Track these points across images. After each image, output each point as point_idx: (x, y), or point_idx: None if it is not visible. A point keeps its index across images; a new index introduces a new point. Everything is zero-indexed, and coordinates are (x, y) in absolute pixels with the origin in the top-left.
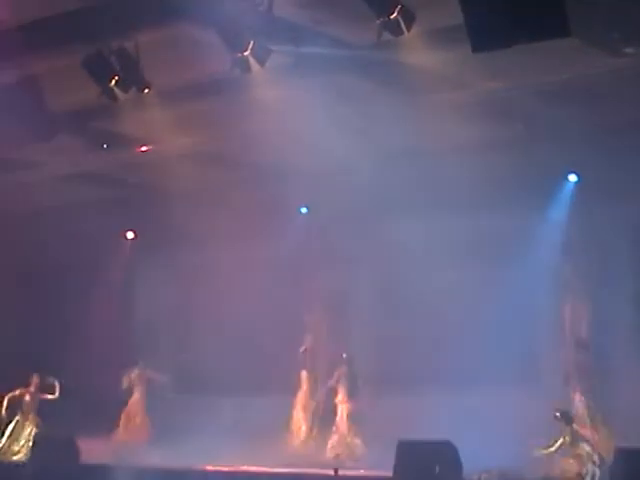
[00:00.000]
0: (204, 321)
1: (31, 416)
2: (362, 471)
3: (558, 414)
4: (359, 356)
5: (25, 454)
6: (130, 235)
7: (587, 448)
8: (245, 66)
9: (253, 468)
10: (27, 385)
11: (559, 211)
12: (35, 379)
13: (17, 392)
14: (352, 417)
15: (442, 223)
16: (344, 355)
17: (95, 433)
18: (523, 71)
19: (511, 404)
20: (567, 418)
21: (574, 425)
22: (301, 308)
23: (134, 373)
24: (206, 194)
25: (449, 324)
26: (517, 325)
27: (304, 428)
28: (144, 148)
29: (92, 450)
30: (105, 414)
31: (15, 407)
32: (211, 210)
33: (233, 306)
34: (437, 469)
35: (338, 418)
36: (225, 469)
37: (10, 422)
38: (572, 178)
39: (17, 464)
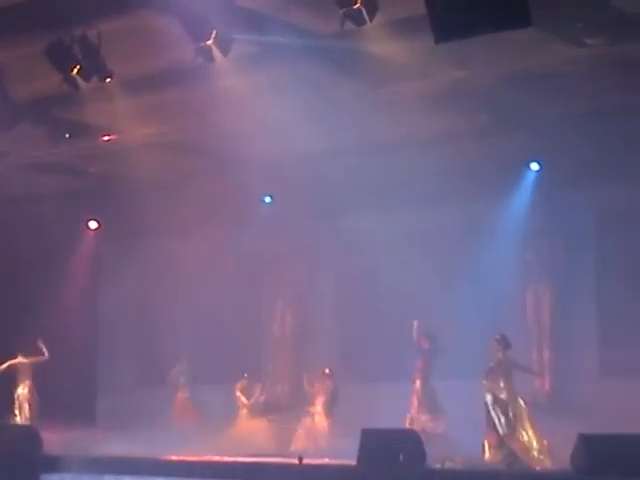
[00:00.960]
0: (169, 311)
1: (29, 382)
2: (326, 459)
3: (498, 336)
4: (322, 348)
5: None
6: (93, 225)
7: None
8: (208, 55)
9: (216, 458)
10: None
11: (522, 199)
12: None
13: (8, 363)
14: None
15: (406, 214)
16: (327, 370)
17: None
18: (486, 61)
19: (474, 393)
20: (506, 343)
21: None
22: (265, 297)
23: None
24: (170, 183)
25: (413, 314)
26: (482, 313)
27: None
28: (107, 137)
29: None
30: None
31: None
32: (175, 199)
33: (197, 295)
34: (401, 457)
35: (309, 422)
36: (189, 459)
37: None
38: (534, 166)
39: None
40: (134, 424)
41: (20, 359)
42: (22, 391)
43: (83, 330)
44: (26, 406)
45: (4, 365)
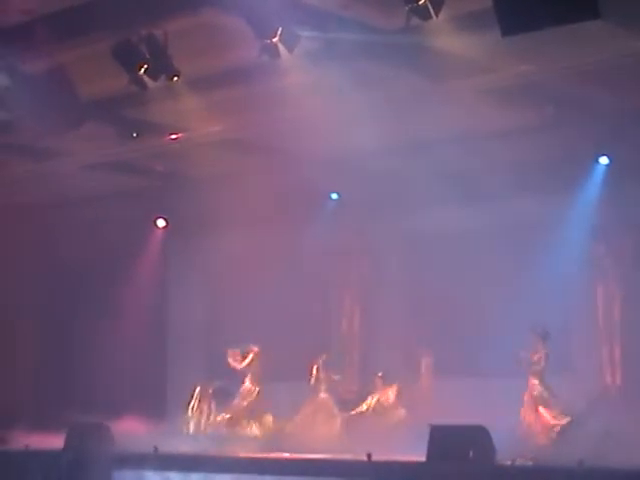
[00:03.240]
0: (236, 307)
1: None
2: (396, 456)
3: (538, 329)
4: (390, 344)
5: None
6: (161, 223)
7: None
8: (274, 52)
9: (285, 455)
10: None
11: (591, 193)
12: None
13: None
14: None
15: (473, 209)
16: (380, 374)
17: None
18: (553, 54)
19: None
20: (544, 334)
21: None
22: (332, 294)
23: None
24: (236, 180)
25: (481, 311)
26: (550, 310)
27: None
28: (174, 136)
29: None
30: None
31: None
32: (241, 196)
33: (264, 292)
34: (471, 454)
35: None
36: (256, 456)
37: None
38: (603, 160)
39: (54, 452)
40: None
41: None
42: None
43: (152, 328)
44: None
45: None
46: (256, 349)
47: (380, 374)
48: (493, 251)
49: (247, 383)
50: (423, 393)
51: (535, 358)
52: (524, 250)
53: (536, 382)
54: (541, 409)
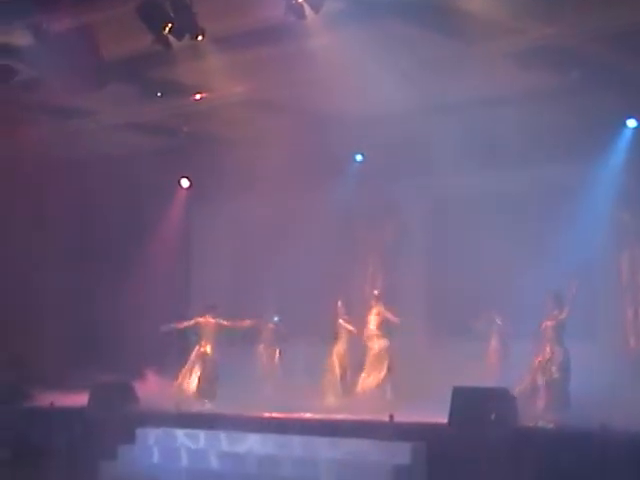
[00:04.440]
0: (259, 270)
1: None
2: (416, 417)
3: (553, 294)
4: (412, 308)
5: None
6: (185, 183)
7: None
8: (300, 12)
9: (307, 415)
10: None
11: (618, 157)
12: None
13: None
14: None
15: (498, 174)
16: (375, 292)
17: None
18: (579, 16)
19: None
20: (559, 300)
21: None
22: (355, 257)
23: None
24: (261, 141)
25: (504, 277)
26: (575, 275)
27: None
28: (198, 96)
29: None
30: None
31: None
32: (266, 157)
33: (287, 254)
34: (493, 416)
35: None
36: (280, 416)
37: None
38: (631, 123)
39: (78, 410)
40: (226, 382)
41: (207, 318)
42: (201, 350)
43: (176, 290)
44: (199, 365)
45: (191, 321)
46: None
47: (377, 292)
48: (518, 216)
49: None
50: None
51: (549, 324)
52: (549, 215)
53: (547, 348)
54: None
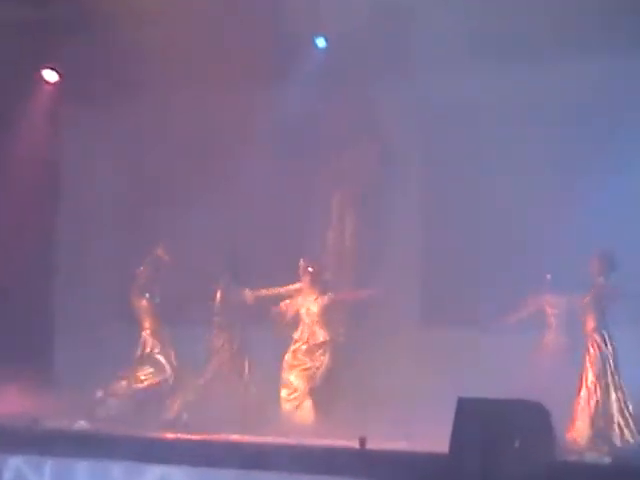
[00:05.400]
0: (168, 202)
1: None
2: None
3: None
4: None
5: None
6: (51, 76)
7: None
8: None
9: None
10: None
11: None
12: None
13: None
14: None
15: (518, 68)
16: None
17: None
18: None
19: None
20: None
21: None
22: (317, 190)
23: None
24: (174, 17)
25: (524, 227)
26: (621, 229)
27: None
28: None
29: None
30: None
31: None
32: (175, 39)
33: (207, 185)
34: (517, 443)
35: None
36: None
37: None
38: None
39: None
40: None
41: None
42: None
43: (36, 229)
44: None
45: None
46: None
47: (311, 269)
48: (545, 124)
49: None
50: None
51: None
52: (584, 123)
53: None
54: None
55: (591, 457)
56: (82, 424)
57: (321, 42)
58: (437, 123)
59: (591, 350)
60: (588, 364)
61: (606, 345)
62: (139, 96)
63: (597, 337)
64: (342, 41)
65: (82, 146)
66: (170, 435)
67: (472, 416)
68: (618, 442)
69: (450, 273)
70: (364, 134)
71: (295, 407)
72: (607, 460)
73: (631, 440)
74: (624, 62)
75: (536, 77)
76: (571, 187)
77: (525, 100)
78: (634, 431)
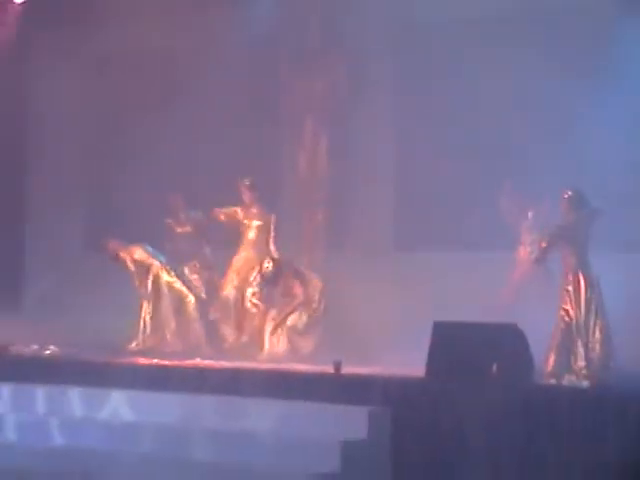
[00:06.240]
0: (130, 130)
1: None
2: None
3: (570, 193)
4: (370, 200)
5: None
6: None
7: None
8: None
9: (206, 362)
10: None
11: None
12: None
13: None
14: None
15: None
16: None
17: None
18: None
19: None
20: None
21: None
22: (285, 117)
23: None
24: None
25: (501, 147)
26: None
27: None
28: None
29: None
30: None
31: None
32: None
33: (175, 109)
34: (494, 367)
35: None
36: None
37: None
38: None
39: None
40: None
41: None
42: None
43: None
44: None
45: None
46: None
47: (247, 182)
48: (544, 39)
49: None
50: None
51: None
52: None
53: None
54: None
55: (569, 381)
56: (53, 349)
57: None
58: (410, 38)
59: (569, 277)
60: (568, 289)
61: (586, 273)
62: (105, 20)
63: (576, 266)
64: None
65: (49, 68)
66: (143, 361)
67: (448, 340)
68: (596, 366)
69: (424, 196)
70: (332, 51)
71: (270, 333)
72: (585, 384)
73: (610, 365)
74: None
75: None
76: (556, 101)
77: (506, 20)
78: (612, 356)
